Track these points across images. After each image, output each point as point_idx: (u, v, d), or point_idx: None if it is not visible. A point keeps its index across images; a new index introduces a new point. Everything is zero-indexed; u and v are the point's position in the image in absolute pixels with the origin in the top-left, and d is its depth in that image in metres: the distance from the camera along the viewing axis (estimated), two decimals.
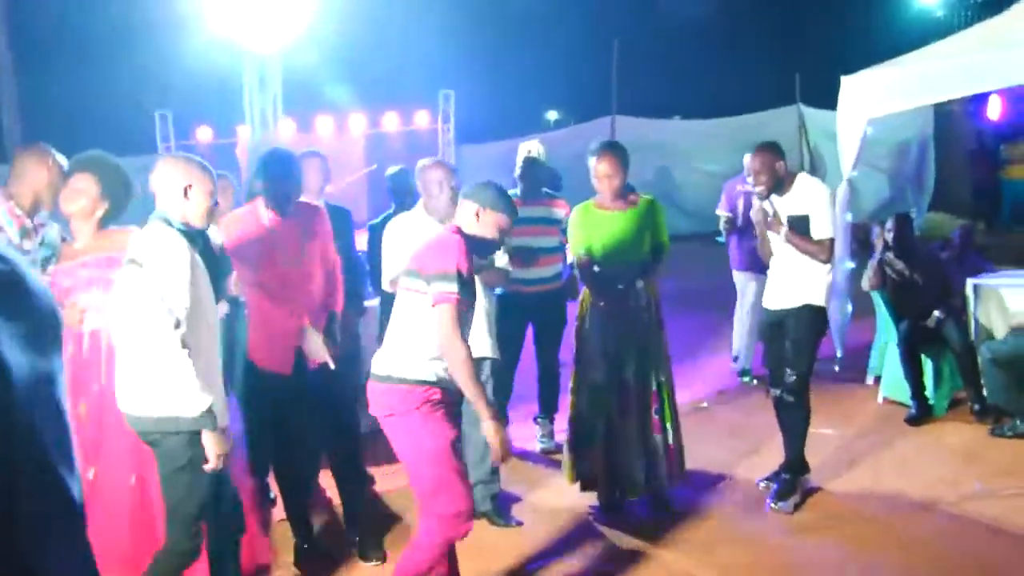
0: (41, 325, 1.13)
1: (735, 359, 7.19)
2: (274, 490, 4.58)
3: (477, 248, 3.44)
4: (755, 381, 6.85)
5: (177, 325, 3.04)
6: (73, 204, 3.72)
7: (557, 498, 4.94)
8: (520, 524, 4.64)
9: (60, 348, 1.17)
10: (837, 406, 6.42)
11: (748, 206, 7.28)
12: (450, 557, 3.52)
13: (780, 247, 4.74)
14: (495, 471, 4.70)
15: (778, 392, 4.81)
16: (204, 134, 13.63)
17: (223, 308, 4.60)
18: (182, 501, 3.18)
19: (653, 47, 20.69)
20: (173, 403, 3.06)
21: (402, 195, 5.58)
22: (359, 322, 5.29)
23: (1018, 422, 5.46)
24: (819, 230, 4.60)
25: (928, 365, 6.10)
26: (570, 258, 5.18)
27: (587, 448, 4.66)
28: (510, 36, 21.16)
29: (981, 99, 12.76)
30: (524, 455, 5.71)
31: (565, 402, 4.88)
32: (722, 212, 7.12)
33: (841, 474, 5.11)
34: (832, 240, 4.65)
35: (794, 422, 4.74)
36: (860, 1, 23.56)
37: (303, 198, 4.29)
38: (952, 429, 5.81)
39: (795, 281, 4.71)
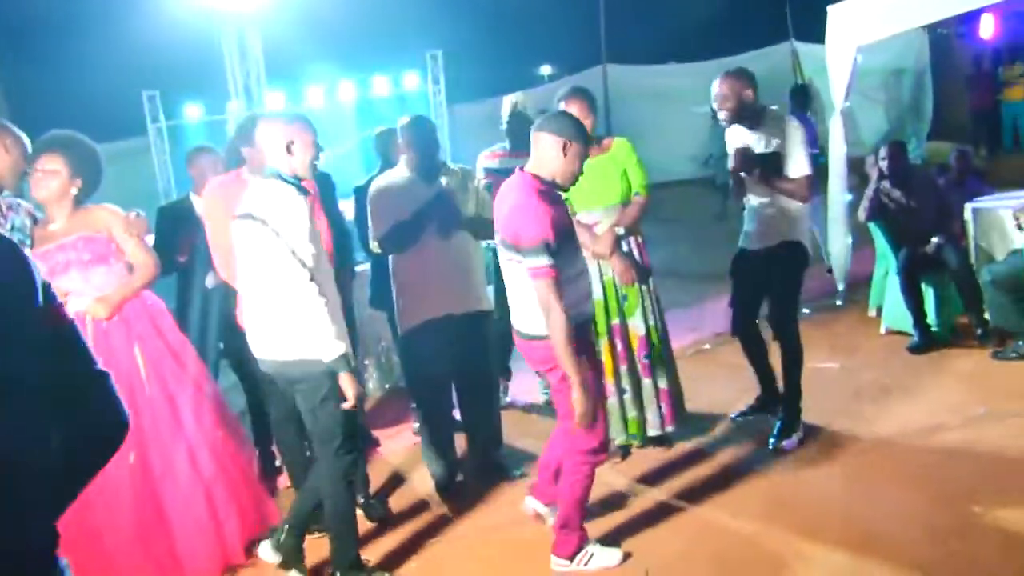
0: None
1: None
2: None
3: (560, 186, 3.47)
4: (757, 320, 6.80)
5: (311, 276, 3.30)
6: (43, 189, 3.67)
7: None
8: (524, 475, 4.63)
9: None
10: (840, 339, 6.40)
11: None
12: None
13: (753, 186, 4.65)
14: (498, 425, 4.70)
15: (739, 332, 4.81)
16: (193, 112, 13.54)
17: (210, 281, 4.59)
18: (326, 431, 3.51)
19: None
20: (312, 348, 3.33)
21: (388, 155, 5.52)
22: (351, 287, 5.28)
23: (1021, 343, 5.41)
24: (796, 168, 4.46)
25: (929, 293, 6.04)
26: None
27: None
28: None
29: (973, 20, 12.51)
30: (528, 407, 5.72)
31: None
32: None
33: (846, 407, 5.08)
34: (809, 177, 4.49)
35: (789, 360, 4.69)
36: None
37: None
38: (955, 355, 5.76)
39: (769, 219, 4.63)
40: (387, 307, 5.03)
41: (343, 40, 16.16)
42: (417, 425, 5.00)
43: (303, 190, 3.42)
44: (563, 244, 3.33)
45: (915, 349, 5.92)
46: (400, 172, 4.46)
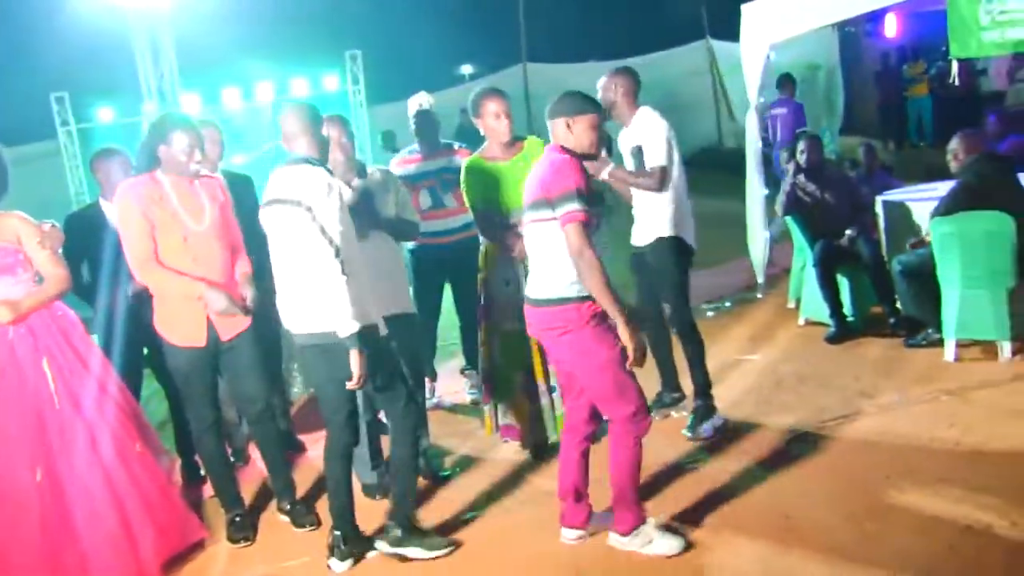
0: None
1: None
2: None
3: (587, 156, 3.59)
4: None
5: (337, 253, 3.49)
6: None
7: (486, 447, 4.93)
8: (451, 476, 4.62)
9: None
10: (761, 331, 6.53)
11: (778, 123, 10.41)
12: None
13: (622, 185, 4.78)
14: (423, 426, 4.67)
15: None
16: (105, 114, 13.17)
17: (131, 289, 4.45)
18: (334, 401, 3.76)
19: None
20: (331, 322, 3.52)
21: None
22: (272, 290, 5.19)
23: (930, 331, 5.59)
24: (651, 159, 4.59)
25: (844, 284, 6.20)
26: None
27: (507, 398, 4.64)
28: None
29: (878, 19, 12.92)
30: (454, 407, 5.70)
31: None
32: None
33: (767, 397, 5.19)
34: (664, 168, 4.57)
35: (691, 352, 4.78)
36: None
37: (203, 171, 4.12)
38: (870, 344, 5.93)
39: (644, 216, 4.75)
40: None
41: (261, 41, 15.90)
42: None
43: (331, 172, 3.68)
44: (589, 202, 3.43)
45: (832, 339, 6.07)
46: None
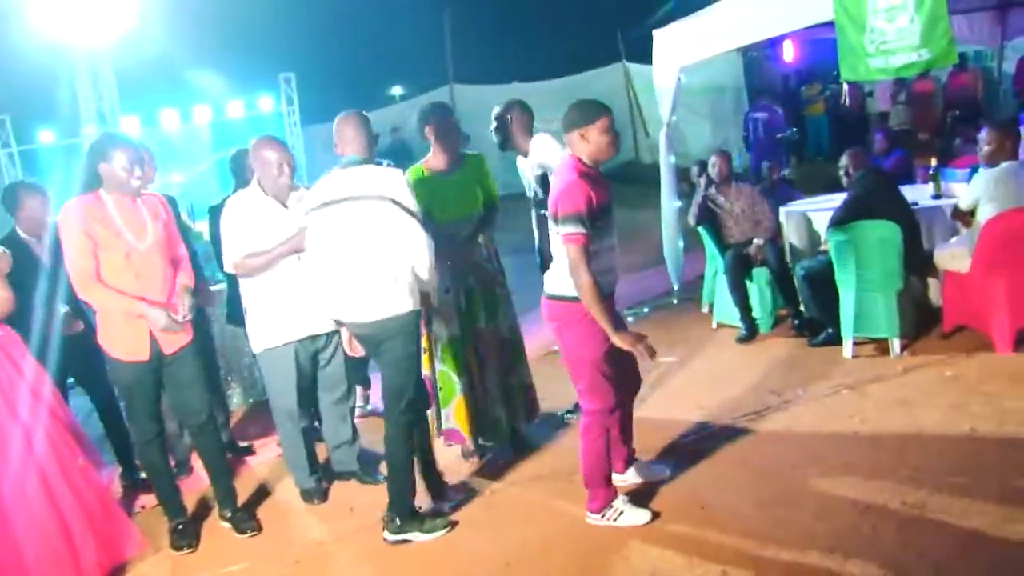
0: None
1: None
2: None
3: (600, 163, 3.68)
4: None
5: (424, 227, 3.80)
6: None
7: None
8: (385, 480, 4.59)
9: None
10: (677, 334, 6.65)
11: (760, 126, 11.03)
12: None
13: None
14: (355, 431, 4.65)
15: None
16: (47, 136, 12.83)
17: (63, 307, 4.34)
18: (400, 386, 3.89)
19: (483, 16, 20.60)
20: (406, 302, 3.80)
21: (243, 175, 5.37)
22: (208, 309, 5.14)
23: (831, 331, 5.76)
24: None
25: (753, 289, 6.35)
26: None
27: (450, 402, 4.65)
28: (344, 15, 20.61)
29: (777, 45, 13.34)
30: None
31: None
32: None
33: (684, 396, 5.29)
34: None
35: None
36: None
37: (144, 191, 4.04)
38: (776, 344, 6.09)
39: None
40: (244, 323, 4.88)
41: (197, 64, 15.61)
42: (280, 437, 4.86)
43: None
44: (598, 219, 3.55)
45: (742, 340, 6.23)
46: (253, 194, 4.33)
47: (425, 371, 4.65)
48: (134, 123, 11.88)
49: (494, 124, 4.74)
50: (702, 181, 6.93)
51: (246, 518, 4.27)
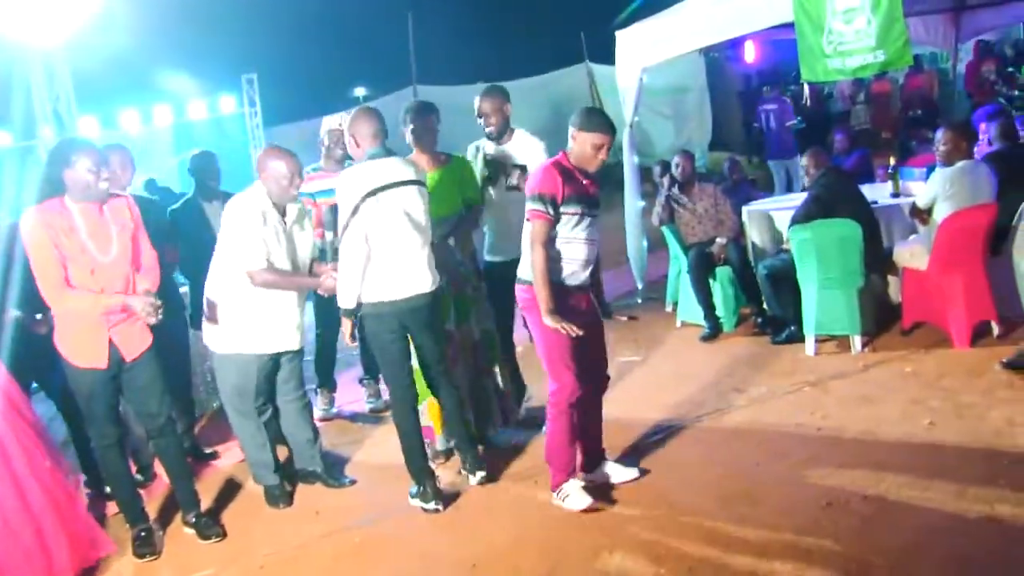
0: None
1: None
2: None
3: (580, 169, 3.83)
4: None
5: None
6: None
7: (388, 455, 4.89)
8: (354, 482, 4.58)
9: None
10: (642, 334, 6.69)
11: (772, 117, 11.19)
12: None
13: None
14: (316, 433, 4.61)
15: None
16: (3, 139, 12.59)
17: (12, 314, 4.24)
18: (440, 351, 4.26)
19: (447, 17, 20.56)
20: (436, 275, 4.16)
21: (204, 178, 5.31)
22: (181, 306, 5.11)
23: (793, 329, 5.83)
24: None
25: (716, 288, 6.40)
26: None
27: (424, 399, 4.62)
28: (307, 15, 20.48)
29: (738, 46, 13.48)
30: (353, 416, 5.65)
31: None
32: None
33: (649, 395, 5.31)
34: None
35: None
36: None
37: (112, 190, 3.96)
38: (740, 342, 6.15)
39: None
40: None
41: (158, 64, 15.39)
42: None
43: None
44: (569, 207, 3.75)
45: (706, 338, 6.27)
46: (262, 199, 4.19)
47: None
48: (92, 124, 11.68)
49: (496, 117, 4.72)
50: (665, 181, 6.98)
51: (210, 523, 4.22)
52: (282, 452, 4.63)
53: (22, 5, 7.77)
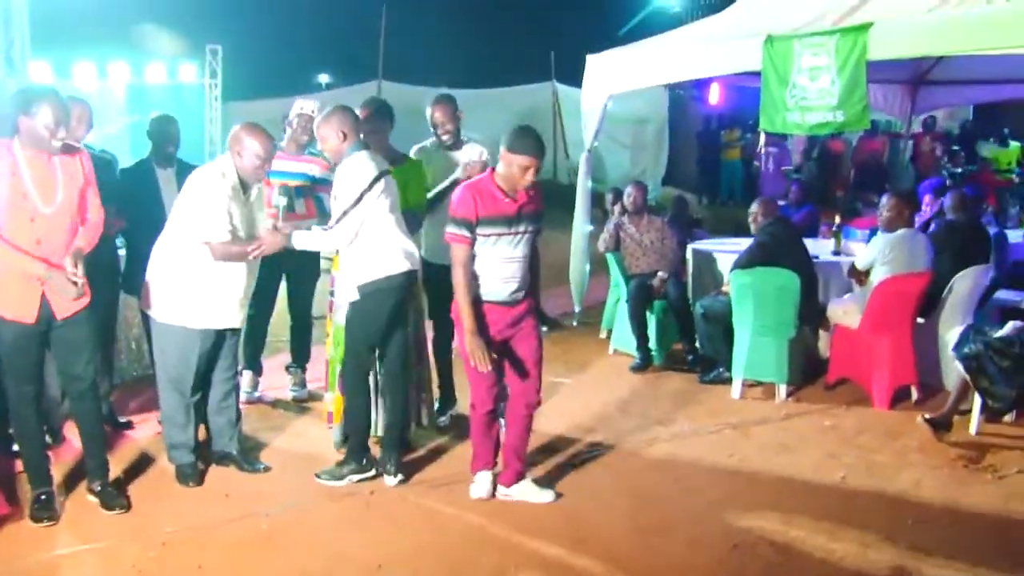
0: None
1: None
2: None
3: (503, 188, 3.83)
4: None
5: None
6: None
7: (306, 444, 4.85)
8: (268, 469, 4.50)
9: None
10: (574, 357, 6.72)
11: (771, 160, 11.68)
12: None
13: None
14: (239, 415, 4.53)
15: None
16: None
17: None
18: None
19: (421, 17, 20.49)
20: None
21: (163, 141, 5.18)
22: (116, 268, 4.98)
23: (722, 370, 5.93)
24: None
25: (652, 320, 6.48)
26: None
27: (335, 387, 4.63)
28: None
29: (704, 85, 13.72)
30: (275, 403, 5.57)
31: (318, 353, 4.77)
32: None
33: (573, 418, 5.33)
34: None
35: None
36: None
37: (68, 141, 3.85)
38: (669, 377, 6.23)
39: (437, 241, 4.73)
40: (139, 294, 4.71)
41: (121, 21, 15.03)
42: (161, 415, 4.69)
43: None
44: (482, 230, 3.79)
45: (636, 369, 6.34)
46: (230, 172, 4.14)
47: (327, 353, 4.71)
48: (45, 69, 11.34)
49: (451, 125, 4.88)
50: (616, 209, 7.05)
51: (116, 494, 4.10)
52: (200, 432, 4.53)
53: None
